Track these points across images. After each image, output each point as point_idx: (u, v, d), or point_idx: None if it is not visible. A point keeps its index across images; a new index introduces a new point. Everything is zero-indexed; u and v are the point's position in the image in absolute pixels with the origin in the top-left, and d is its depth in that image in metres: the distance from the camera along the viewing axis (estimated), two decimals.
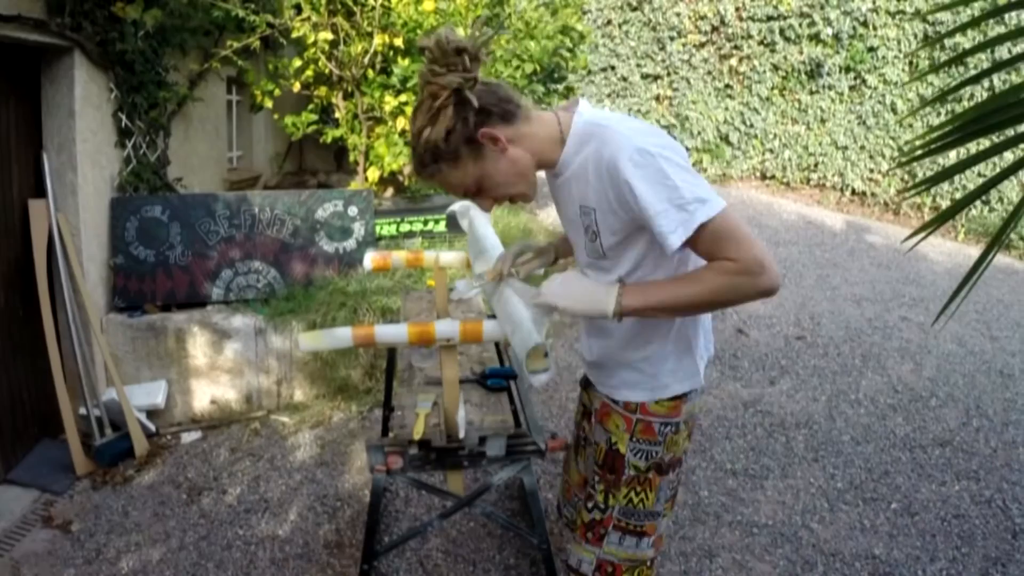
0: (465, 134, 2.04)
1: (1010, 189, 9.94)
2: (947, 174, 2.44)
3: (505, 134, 2.08)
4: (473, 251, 3.05)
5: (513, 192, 2.21)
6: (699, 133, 12.83)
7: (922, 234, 2.58)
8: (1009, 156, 8.42)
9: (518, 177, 2.16)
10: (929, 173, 10.22)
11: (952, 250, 9.92)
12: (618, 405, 2.44)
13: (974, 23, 2.68)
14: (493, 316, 2.82)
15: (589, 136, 2.09)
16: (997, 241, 2.37)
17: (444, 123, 2.02)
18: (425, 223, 6.56)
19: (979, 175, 9.75)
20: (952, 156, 9.38)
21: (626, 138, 1.97)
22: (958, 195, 10.35)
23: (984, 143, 6.66)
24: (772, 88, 12.20)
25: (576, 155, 2.14)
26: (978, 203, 10.25)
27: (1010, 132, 2.27)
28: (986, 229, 10.36)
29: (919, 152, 2.45)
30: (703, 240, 1.95)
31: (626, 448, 2.41)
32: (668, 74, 13.25)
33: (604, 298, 2.09)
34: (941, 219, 2.49)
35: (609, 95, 13.96)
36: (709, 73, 12.81)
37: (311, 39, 6.16)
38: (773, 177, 12.50)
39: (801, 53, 11.73)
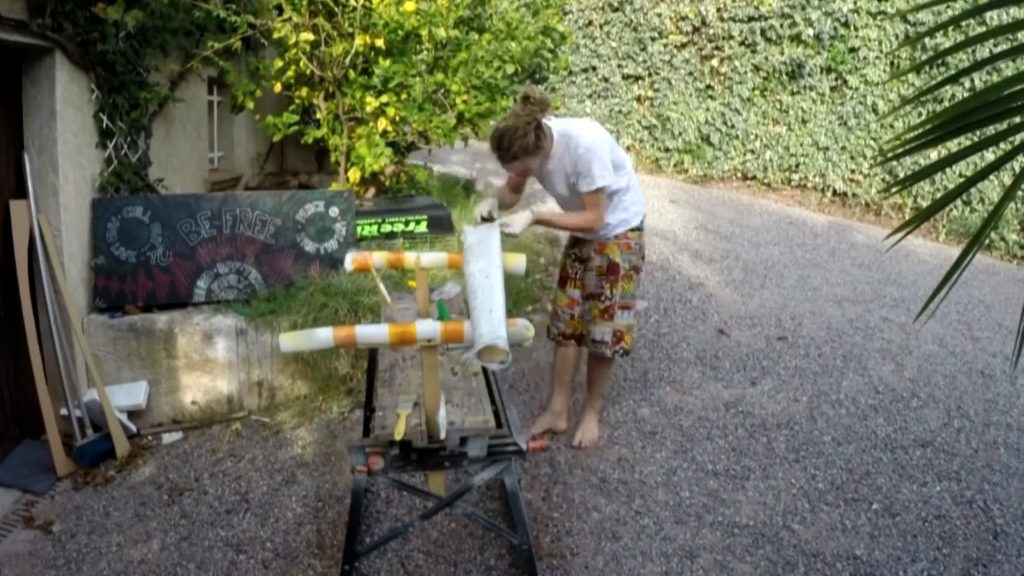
0: (538, 144, 4.00)
1: (991, 190, 10.00)
2: (927, 172, 2.45)
3: (546, 142, 4.09)
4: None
5: (536, 172, 4.29)
6: (680, 134, 12.89)
7: (902, 232, 2.58)
8: (990, 155, 8.47)
9: (544, 161, 4.20)
10: (910, 173, 10.27)
11: (933, 251, 9.98)
12: (610, 239, 4.46)
13: (954, 21, 2.70)
14: None
15: (564, 138, 4.17)
16: (977, 240, 2.38)
17: (528, 138, 3.92)
18: (406, 224, 6.55)
19: (960, 175, 9.80)
20: (933, 156, 9.43)
21: (586, 137, 4.13)
22: (939, 196, 10.39)
23: (964, 142, 6.69)
24: (753, 89, 12.25)
25: (559, 153, 4.20)
26: (959, 204, 10.30)
27: (990, 130, 2.27)
28: (967, 230, 10.42)
29: (900, 150, 2.45)
30: (587, 196, 4.19)
31: (619, 258, 4.47)
32: (649, 75, 13.30)
33: (526, 221, 3.97)
34: (922, 217, 2.50)
35: (590, 96, 14.01)
36: (690, 74, 12.86)
37: (292, 40, 6.16)
38: (754, 178, 12.54)
39: (782, 54, 11.78)
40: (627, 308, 4.57)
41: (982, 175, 2.30)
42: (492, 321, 2.68)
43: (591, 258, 4.57)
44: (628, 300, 4.56)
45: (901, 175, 10.66)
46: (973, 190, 10.04)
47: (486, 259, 3.07)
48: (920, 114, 10.35)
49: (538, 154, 4.04)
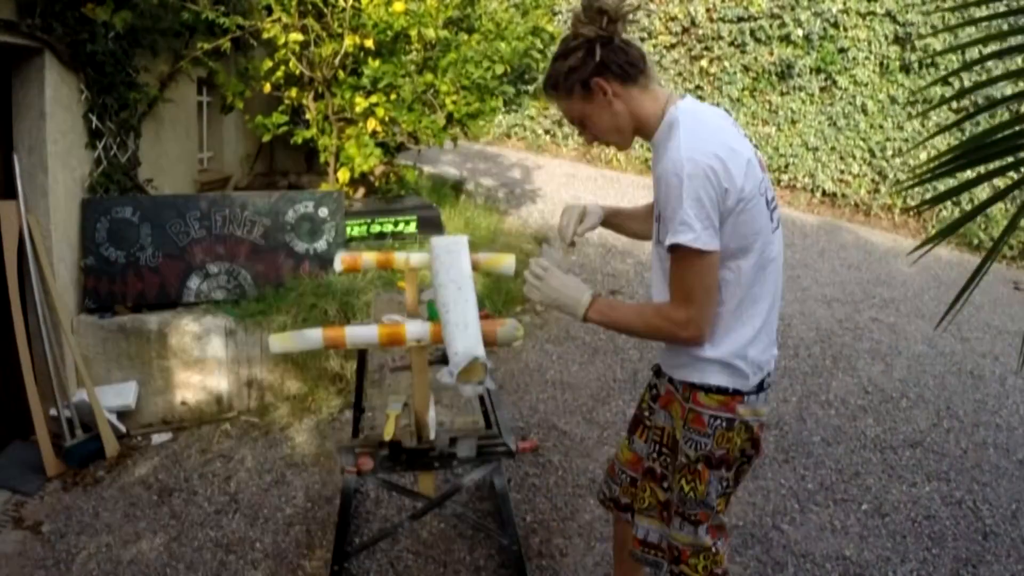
0: (581, 76, 2.33)
1: (981, 191, 10.00)
2: (953, 193, 2.48)
3: (615, 89, 2.35)
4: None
5: (608, 140, 2.51)
6: None
7: (927, 246, 2.62)
8: (1012, 172, 8.49)
9: (614, 128, 2.44)
10: (906, 179, 10.28)
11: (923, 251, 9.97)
12: (677, 390, 2.54)
13: (948, 29, 2.73)
14: None
15: (670, 127, 2.32)
16: (995, 251, 2.42)
17: (570, 61, 2.34)
18: (396, 224, 6.55)
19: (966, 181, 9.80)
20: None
21: (684, 145, 2.21)
22: (929, 196, 10.40)
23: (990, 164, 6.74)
24: (743, 89, 12.26)
25: (661, 140, 2.36)
26: (949, 204, 10.31)
27: (1009, 159, 2.31)
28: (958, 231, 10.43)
29: (927, 175, 2.48)
30: (673, 260, 2.29)
31: (680, 435, 2.52)
32: None
33: (576, 303, 2.43)
34: (946, 232, 2.54)
35: None
36: (680, 74, 12.87)
37: (281, 40, 6.14)
38: None
39: (772, 54, 11.79)
40: (690, 521, 2.54)
41: (1001, 195, 2.33)
42: (468, 337, 2.52)
43: (657, 408, 2.75)
44: (691, 509, 2.52)
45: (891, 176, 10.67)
46: (964, 192, 10.04)
47: (456, 269, 2.97)
48: (911, 115, 10.37)
49: (571, 96, 2.40)
